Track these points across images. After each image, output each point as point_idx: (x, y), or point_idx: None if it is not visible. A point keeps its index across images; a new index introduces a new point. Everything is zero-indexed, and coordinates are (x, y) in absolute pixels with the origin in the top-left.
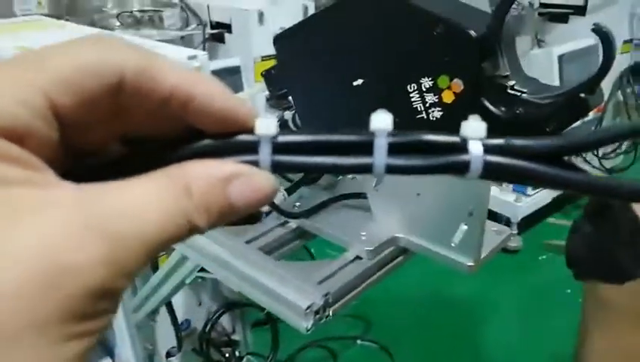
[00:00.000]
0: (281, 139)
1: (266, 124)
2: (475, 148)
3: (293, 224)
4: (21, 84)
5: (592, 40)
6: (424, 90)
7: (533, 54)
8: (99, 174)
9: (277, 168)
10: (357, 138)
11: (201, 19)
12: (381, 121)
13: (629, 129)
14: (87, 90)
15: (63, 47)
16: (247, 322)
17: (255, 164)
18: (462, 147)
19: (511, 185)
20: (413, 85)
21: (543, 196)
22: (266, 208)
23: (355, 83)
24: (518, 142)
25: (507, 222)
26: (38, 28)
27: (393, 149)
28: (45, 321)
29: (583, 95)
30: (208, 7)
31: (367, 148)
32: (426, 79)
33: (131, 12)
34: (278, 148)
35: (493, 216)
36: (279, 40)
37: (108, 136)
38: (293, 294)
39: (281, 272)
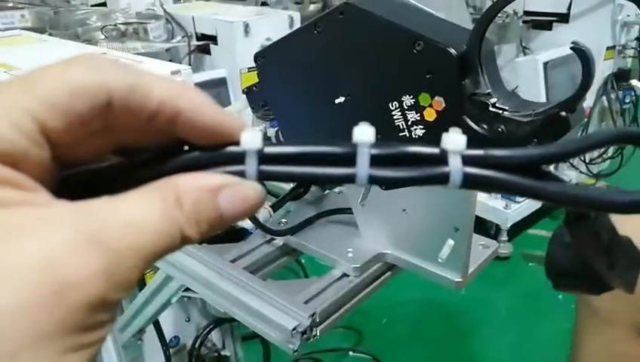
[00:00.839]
0: (267, 150)
1: (252, 137)
2: (455, 161)
3: (279, 241)
4: (13, 109)
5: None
6: (406, 107)
7: (519, 62)
8: (90, 188)
9: (263, 178)
10: (340, 149)
11: (187, 31)
12: (364, 133)
13: (606, 137)
14: (77, 111)
15: (51, 69)
16: (236, 336)
17: (242, 174)
18: (442, 159)
19: None
20: (394, 103)
21: (532, 203)
22: (250, 226)
23: (337, 100)
24: (497, 152)
25: (497, 229)
26: (20, 43)
27: (376, 161)
28: (46, 335)
29: (563, 113)
30: (193, 18)
31: (350, 159)
32: (408, 97)
33: (115, 25)
34: (264, 159)
35: (483, 223)
36: (260, 57)
37: (98, 150)
38: (279, 315)
39: (267, 292)
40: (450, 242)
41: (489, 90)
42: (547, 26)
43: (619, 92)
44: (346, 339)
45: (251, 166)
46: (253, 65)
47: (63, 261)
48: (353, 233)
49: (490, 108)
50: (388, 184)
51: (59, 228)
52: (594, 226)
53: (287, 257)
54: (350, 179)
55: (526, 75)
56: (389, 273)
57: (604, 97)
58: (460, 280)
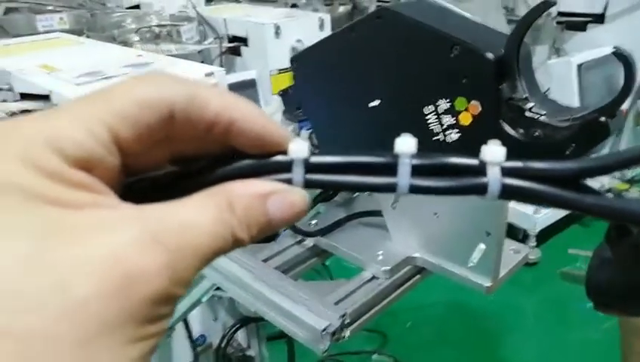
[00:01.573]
0: (313, 159)
1: (299, 147)
2: (493, 172)
3: (309, 242)
4: (91, 120)
5: (612, 48)
6: (441, 111)
7: (552, 63)
8: (150, 194)
9: (309, 186)
10: (383, 159)
11: (218, 33)
12: (405, 143)
13: None
14: (145, 122)
15: (123, 85)
16: (262, 336)
17: (289, 182)
18: (481, 170)
19: None
20: (430, 107)
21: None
22: None
23: (371, 104)
24: (536, 165)
25: (525, 234)
26: (59, 45)
27: (416, 171)
28: (114, 324)
29: (603, 118)
30: (225, 20)
31: (392, 169)
32: (443, 101)
33: (150, 27)
34: (310, 168)
35: (511, 228)
36: (296, 60)
37: (159, 158)
38: (309, 315)
39: (298, 293)
40: (482, 246)
41: (526, 95)
42: (581, 27)
43: None
44: (371, 342)
45: (298, 174)
46: (283, 67)
47: (130, 256)
48: (383, 235)
49: (527, 113)
50: (428, 194)
51: (126, 228)
52: (637, 242)
53: (316, 258)
54: (392, 189)
55: (559, 77)
56: (418, 276)
57: (639, 101)
58: (490, 284)
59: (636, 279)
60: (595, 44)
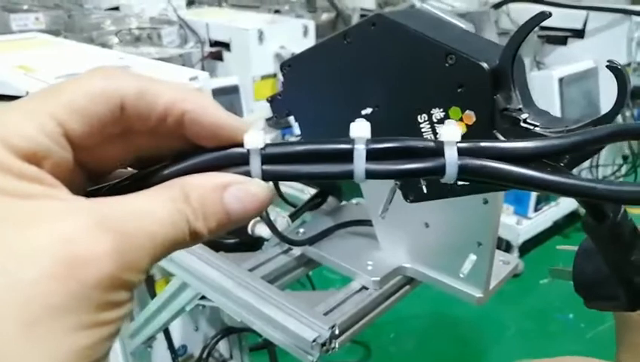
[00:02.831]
0: (269, 150)
1: (255, 138)
2: (451, 152)
3: (296, 251)
4: (40, 113)
5: (592, 63)
6: (435, 120)
7: (534, 76)
8: (107, 194)
9: (268, 177)
10: (338, 146)
11: (200, 37)
12: (360, 128)
13: (606, 133)
14: (95, 115)
15: (73, 80)
16: (244, 347)
17: (247, 174)
18: (438, 151)
19: (512, 208)
20: (423, 116)
21: (544, 219)
22: (268, 235)
23: (364, 111)
24: (494, 143)
25: (508, 246)
26: (36, 45)
27: (373, 155)
28: (64, 307)
29: None
30: (207, 25)
31: (349, 155)
32: (437, 110)
33: (130, 30)
34: (268, 159)
35: None
36: (286, 66)
37: (117, 157)
38: (298, 326)
39: (286, 303)
40: (473, 257)
41: (520, 106)
42: (562, 41)
43: (634, 110)
44: (353, 353)
45: (255, 165)
46: (267, 73)
47: (78, 241)
48: (372, 245)
49: (522, 124)
50: (385, 177)
51: (75, 216)
52: (613, 224)
53: (304, 268)
54: (348, 175)
55: (541, 89)
56: (407, 286)
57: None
58: (481, 295)
59: (619, 262)
60: (575, 59)
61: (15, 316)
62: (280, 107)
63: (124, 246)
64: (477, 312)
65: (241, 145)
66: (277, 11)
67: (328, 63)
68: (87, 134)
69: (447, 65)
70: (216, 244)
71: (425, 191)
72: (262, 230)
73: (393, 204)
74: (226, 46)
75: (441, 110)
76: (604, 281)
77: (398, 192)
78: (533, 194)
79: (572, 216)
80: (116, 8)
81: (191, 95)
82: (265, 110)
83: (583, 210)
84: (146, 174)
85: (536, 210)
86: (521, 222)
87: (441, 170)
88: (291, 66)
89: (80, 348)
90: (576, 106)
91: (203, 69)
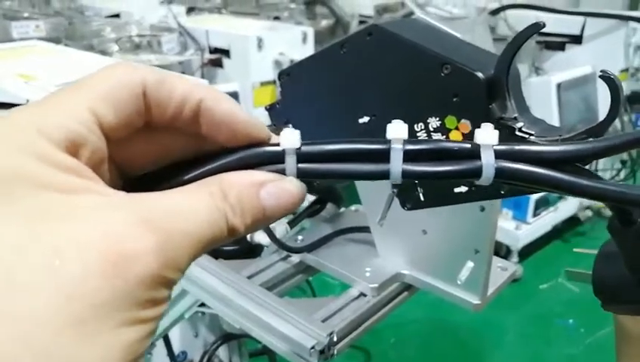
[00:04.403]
0: (305, 149)
1: (291, 136)
2: (487, 154)
3: (295, 258)
4: (71, 103)
5: (589, 68)
6: (431, 129)
7: (532, 82)
8: (140, 189)
9: (302, 175)
10: (375, 146)
11: (200, 44)
12: (397, 129)
13: (637, 137)
14: (121, 101)
15: (98, 72)
16: (244, 353)
17: (282, 173)
18: (475, 153)
19: (511, 213)
20: (420, 124)
21: (543, 224)
22: (267, 242)
23: (361, 120)
24: (530, 147)
25: (508, 250)
26: (37, 53)
27: (409, 156)
28: (110, 305)
29: (591, 140)
30: (207, 32)
31: (384, 155)
32: (434, 119)
33: (130, 37)
34: (302, 157)
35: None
36: (283, 75)
37: (142, 155)
38: (297, 333)
39: (285, 310)
40: (470, 264)
41: (516, 115)
42: (560, 47)
43: (631, 115)
44: (354, 359)
45: (291, 164)
46: (266, 79)
47: (122, 238)
48: (370, 252)
49: (517, 133)
50: (421, 179)
51: (118, 212)
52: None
53: (302, 275)
54: (384, 175)
55: (539, 95)
56: (406, 293)
57: (616, 119)
58: (478, 302)
59: None
60: (573, 64)
61: (63, 315)
62: (278, 116)
63: (166, 244)
64: (477, 317)
65: (264, 142)
66: (276, 18)
67: (325, 73)
68: (116, 124)
69: (442, 74)
70: (215, 251)
71: (422, 198)
72: (261, 237)
73: (391, 210)
74: (226, 53)
75: (437, 119)
76: (626, 285)
77: (397, 199)
78: (532, 199)
79: (571, 221)
80: (117, 15)
81: (206, 87)
82: (264, 118)
83: (584, 214)
84: (181, 170)
85: (535, 215)
86: (520, 227)
87: (477, 173)
88: (289, 75)
89: (125, 345)
90: (574, 111)
91: (203, 76)
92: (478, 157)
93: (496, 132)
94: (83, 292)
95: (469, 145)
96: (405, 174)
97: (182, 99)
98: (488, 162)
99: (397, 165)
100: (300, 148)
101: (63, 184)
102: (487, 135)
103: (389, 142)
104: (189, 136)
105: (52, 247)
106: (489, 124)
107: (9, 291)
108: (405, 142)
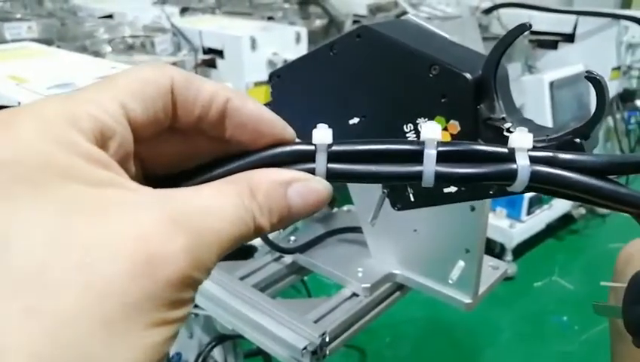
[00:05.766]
0: (336, 148)
1: (323, 133)
2: (522, 158)
3: (288, 259)
4: (101, 96)
5: (582, 66)
6: (420, 130)
7: (524, 80)
8: (167, 185)
9: (332, 176)
10: (408, 147)
11: (193, 44)
12: (432, 130)
13: None
14: (149, 97)
15: (127, 70)
16: (239, 353)
17: (311, 172)
18: (509, 157)
19: (504, 211)
20: (409, 125)
21: (537, 222)
22: (259, 243)
23: (351, 121)
24: (565, 155)
25: (502, 249)
26: (29, 55)
27: (442, 158)
28: (139, 306)
29: (577, 140)
30: (200, 32)
31: (417, 156)
32: (423, 120)
33: (123, 38)
34: (333, 156)
35: (488, 242)
36: (274, 77)
37: (167, 155)
38: (289, 334)
39: (277, 311)
40: (461, 263)
41: (504, 115)
42: (553, 46)
43: (624, 113)
44: (349, 358)
45: (321, 163)
46: (260, 80)
47: (152, 237)
48: (363, 252)
49: (505, 133)
50: (454, 181)
51: (147, 210)
52: None
53: (295, 275)
54: (417, 177)
55: (532, 93)
56: (398, 293)
57: (609, 118)
58: (470, 301)
59: None
60: (565, 63)
61: (93, 313)
62: None
63: (195, 244)
64: (472, 316)
65: (289, 141)
66: (270, 18)
67: (316, 74)
68: (144, 120)
69: (431, 75)
70: None
71: (412, 199)
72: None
73: (383, 211)
74: (220, 53)
75: (426, 120)
76: None
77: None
78: (526, 198)
79: (565, 219)
80: (109, 16)
81: (231, 89)
82: None
83: (578, 212)
84: (209, 167)
85: (529, 213)
86: (514, 226)
87: (512, 176)
88: (280, 77)
89: (152, 345)
90: (567, 110)
91: None
92: (512, 160)
93: (531, 135)
94: (113, 292)
95: (504, 149)
96: (438, 177)
97: (209, 98)
98: (524, 166)
99: (430, 167)
100: (331, 145)
101: (91, 176)
102: (522, 138)
103: (422, 143)
104: (213, 139)
105: (83, 244)
106: (523, 128)
107: (40, 287)
108: (438, 143)
